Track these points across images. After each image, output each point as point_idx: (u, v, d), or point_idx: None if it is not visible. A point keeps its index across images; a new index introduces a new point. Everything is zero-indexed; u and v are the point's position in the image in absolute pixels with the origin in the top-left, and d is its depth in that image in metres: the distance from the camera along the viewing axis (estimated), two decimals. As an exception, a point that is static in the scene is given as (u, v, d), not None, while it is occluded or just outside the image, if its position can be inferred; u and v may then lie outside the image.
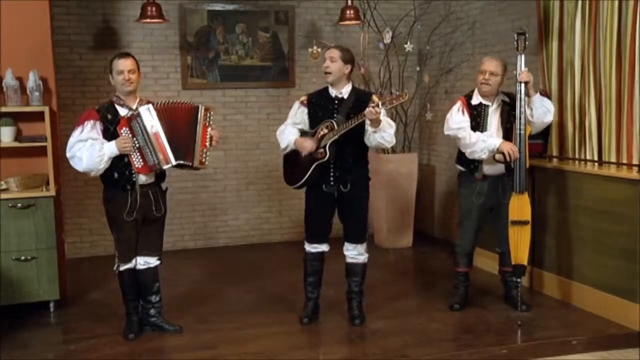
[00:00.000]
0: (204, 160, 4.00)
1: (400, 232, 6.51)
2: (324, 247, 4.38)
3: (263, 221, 6.75)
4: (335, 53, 4.17)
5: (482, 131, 4.38)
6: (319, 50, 6.18)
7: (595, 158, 4.68)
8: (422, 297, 4.96)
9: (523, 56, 4.29)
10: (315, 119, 4.23)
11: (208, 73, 6.45)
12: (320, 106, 4.23)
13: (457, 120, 4.42)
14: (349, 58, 4.18)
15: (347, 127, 4.03)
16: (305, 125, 4.29)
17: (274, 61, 6.59)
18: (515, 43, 4.34)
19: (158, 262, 4.21)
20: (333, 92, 4.22)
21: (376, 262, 5.86)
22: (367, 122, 4.02)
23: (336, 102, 4.20)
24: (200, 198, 6.56)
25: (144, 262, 4.15)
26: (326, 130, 4.12)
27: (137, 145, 3.91)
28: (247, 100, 6.61)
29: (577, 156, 4.84)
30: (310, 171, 4.16)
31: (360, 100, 4.16)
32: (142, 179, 4.00)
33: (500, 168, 4.39)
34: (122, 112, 3.97)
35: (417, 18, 6.52)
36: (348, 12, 5.99)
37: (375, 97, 4.14)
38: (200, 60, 6.41)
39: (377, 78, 6.53)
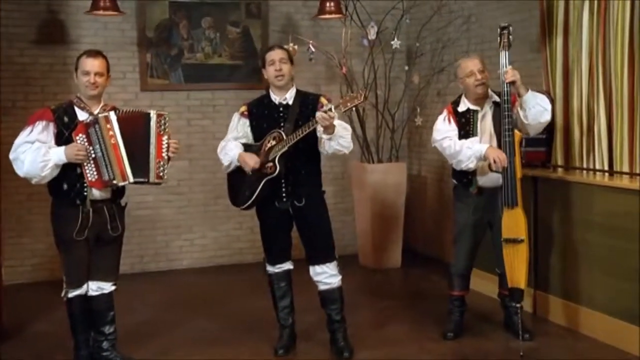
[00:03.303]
0: (161, 174, 3.98)
1: (387, 250, 6.50)
2: (288, 265, 4.44)
3: (233, 239, 6.73)
4: (284, 53, 4.26)
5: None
6: (296, 47, 6.17)
7: (606, 167, 4.68)
8: (413, 324, 4.95)
9: (507, 53, 4.31)
10: (259, 131, 4.28)
11: (170, 73, 6.44)
12: (264, 116, 4.28)
13: (442, 130, 4.49)
14: (292, 57, 4.32)
15: (297, 137, 4.08)
16: (249, 139, 4.34)
17: (245, 59, 6.59)
18: (498, 39, 4.36)
19: (113, 288, 4.15)
20: (276, 98, 4.29)
21: (361, 285, 5.90)
22: (319, 128, 4.06)
23: (281, 109, 4.26)
24: (162, 214, 6.53)
25: (96, 287, 4.09)
26: (274, 142, 4.17)
27: (93, 155, 3.87)
28: (214, 104, 6.61)
29: (584, 165, 4.85)
30: (259, 189, 4.19)
31: (306, 104, 4.23)
32: (96, 193, 3.95)
33: (497, 180, 4.40)
34: (82, 116, 3.95)
35: (405, 11, 6.53)
36: (328, 4, 6.02)
37: (323, 99, 4.24)
38: (162, 58, 6.40)
39: (360, 79, 6.54)
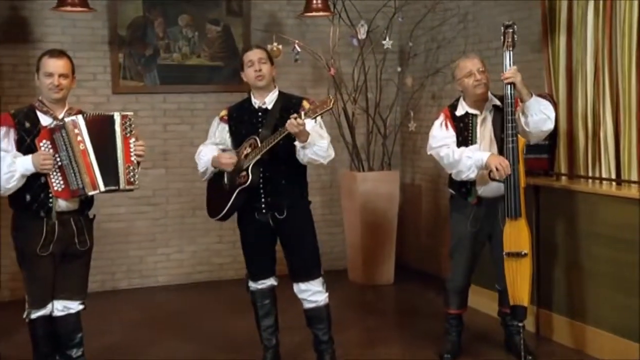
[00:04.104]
0: (132, 179, 3.96)
1: (379, 265, 6.49)
2: (272, 281, 4.44)
3: (213, 254, 6.71)
4: (262, 53, 4.29)
5: (470, 145, 4.40)
6: (280, 47, 6.17)
7: (613, 176, 4.68)
8: (406, 345, 4.95)
9: (511, 53, 4.31)
10: (238, 137, 4.31)
11: (145, 74, 6.43)
12: (243, 121, 4.31)
13: (439, 137, 4.47)
14: (272, 58, 4.36)
15: (269, 144, 4.09)
16: (228, 145, 4.38)
17: (226, 60, 6.58)
18: (502, 37, 4.35)
19: (81, 307, 4.11)
20: (256, 102, 4.32)
21: (350, 302, 5.91)
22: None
23: (260, 113, 4.28)
24: (135, 227, 6.49)
25: (62, 307, 4.05)
26: (249, 149, 4.20)
27: (59, 163, 3.85)
28: (193, 108, 6.59)
29: (590, 174, 4.85)
30: (232, 199, 4.20)
31: (287, 108, 4.25)
32: (63, 204, 3.92)
33: (498, 189, 4.39)
34: (45, 121, 3.92)
35: (397, 9, 6.53)
36: (314, 1, 6.00)
37: (306, 103, 4.25)
38: (135, 58, 6.38)
39: (350, 81, 6.55)
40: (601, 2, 4.68)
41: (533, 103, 4.25)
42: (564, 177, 5.00)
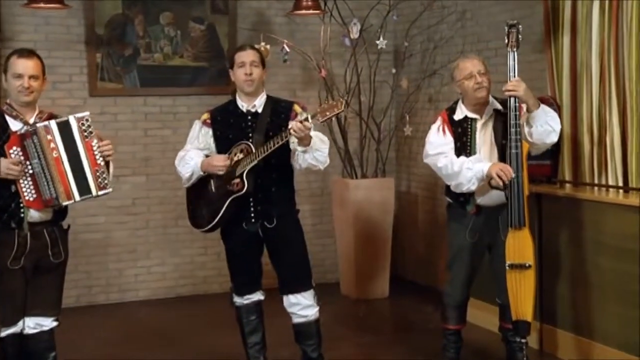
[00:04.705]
0: (102, 183, 3.94)
1: (373, 278, 6.49)
2: (258, 296, 4.46)
3: (197, 266, 6.70)
4: (255, 55, 4.28)
5: (469, 153, 4.39)
6: (268, 47, 6.17)
7: (620, 183, 4.69)
8: (402, 364, 4.94)
9: (515, 54, 4.30)
10: (224, 142, 4.29)
11: (124, 76, 6.42)
12: (229, 125, 4.30)
13: (436, 143, 4.45)
14: (264, 60, 4.36)
15: (268, 150, 4.09)
16: (211, 151, 4.36)
17: (210, 61, 6.59)
18: (505, 37, 4.35)
19: (55, 324, 4.08)
20: (243, 105, 4.32)
21: (342, 317, 5.92)
22: (293, 139, 4.07)
23: (249, 117, 4.28)
24: (114, 237, 6.47)
25: (34, 324, 4.01)
26: (241, 155, 4.19)
27: (31, 171, 3.82)
28: (175, 111, 6.59)
29: (595, 181, 4.85)
30: (224, 208, 4.20)
31: (277, 112, 4.27)
32: (35, 215, 3.90)
33: (498, 197, 4.38)
34: (15, 126, 3.89)
35: (392, 7, 6.54)
36: (305, -2, 6.02)
37: (297, 107, 4.28)
38: (114, 58, 6.37)
39: (341, 83, 6.56)
40: (606, 1, 4.67)
41: (540, 114, 4.22)
42: (568, 185, 5.01)
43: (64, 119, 3.92)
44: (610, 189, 4.72)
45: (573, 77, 4.96)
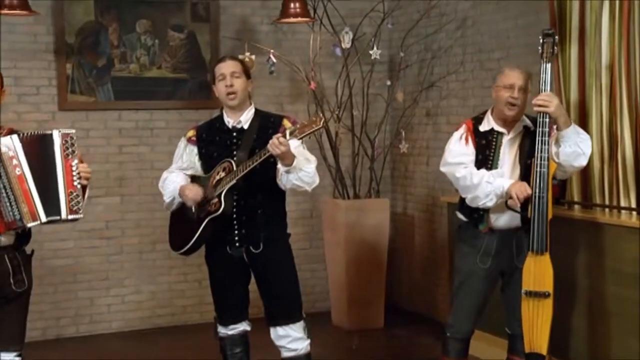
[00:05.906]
0: (75, 207, 3.89)
1: (367, 307, 6.49)
2: (244, 326, 4.45)
3: (176, 295, 6.69)
4: (236, 66, 4.29)
5: (490, 167, 4.37)
6: (253, 57, 6.21)
7: (633, 205, 4.68)
8: (399, 401, 4.92)
9: (550, 66, 4.30)
10: (209, 161, 4.32)
11: (97, 88, 6.42)
12: (215, 143, 4.32)
13: (456, 152, 4.43)
14: (248, 70, 4.36)
15: (247, 168, 4.09)
16: (197, 170, 4.38)
17: (190, 72, 6.61)
18: (539, 48, 4.35)
19: None
20: (229, 121, 4.33)
21: (335, 350, 5.92)
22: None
23: (235, 134, 4.29)
24: (85, 264, 6.44)
25: None
26: (223, 174, 4.19)
27: None
28: (153, 127, 6.59)
29: (606, 202, 4.85)
30: (200, 230, 4.19)
31: (265, 128, 4.26)
32: None
33: (514, 219, 4.36)
34: None
35: (387, 14, 6.57)
36: (292, 5, 6.03)
37: (287, 122, 4.28)
38: (86, 69, 6.37)
39: (332, 96, 6.57)
40: (617, 6, 4.70)
41: (570, 134, 4.19)
42: (577, 206, 5.00)
43: (48, 132, 3.89)
44: (623, 211, 4.71)
45: (581, 89, 4.96)
